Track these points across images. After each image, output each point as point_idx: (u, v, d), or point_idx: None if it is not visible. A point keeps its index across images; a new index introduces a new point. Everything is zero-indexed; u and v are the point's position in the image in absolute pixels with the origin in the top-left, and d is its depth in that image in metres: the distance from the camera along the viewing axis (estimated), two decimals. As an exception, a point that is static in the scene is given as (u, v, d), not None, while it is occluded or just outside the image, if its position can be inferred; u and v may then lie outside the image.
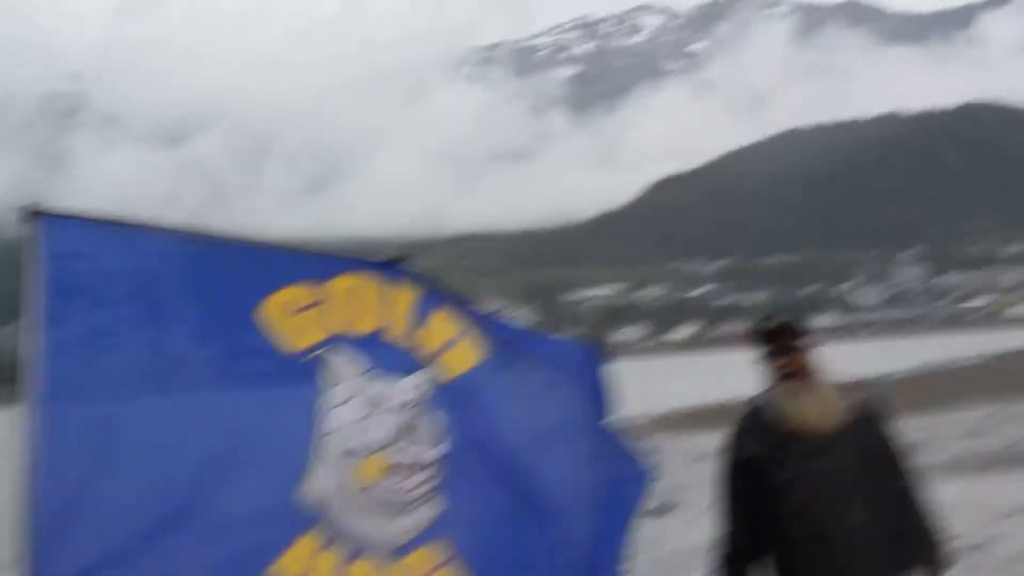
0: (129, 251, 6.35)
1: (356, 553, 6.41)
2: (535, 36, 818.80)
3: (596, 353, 7.17)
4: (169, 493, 6.15)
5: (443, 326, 6.78)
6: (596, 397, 7.19)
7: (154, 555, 6.09)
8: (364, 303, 6.66)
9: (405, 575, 6.47)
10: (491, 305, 7.05)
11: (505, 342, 6.99)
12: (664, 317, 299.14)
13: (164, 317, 6.31)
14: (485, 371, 6.89)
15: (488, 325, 6.95)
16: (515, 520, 6.89)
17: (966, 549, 14.31)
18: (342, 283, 6.62)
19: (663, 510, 19.72)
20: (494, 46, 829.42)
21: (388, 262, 6.72)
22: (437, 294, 6.80)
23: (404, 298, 6.72)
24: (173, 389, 6.25)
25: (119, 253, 6.33)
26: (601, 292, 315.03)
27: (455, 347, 6.81)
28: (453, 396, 6.77)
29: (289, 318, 6.45)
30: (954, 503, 17.59)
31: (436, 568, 6.54)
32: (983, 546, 15.11)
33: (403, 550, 6.50)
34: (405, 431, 6.60)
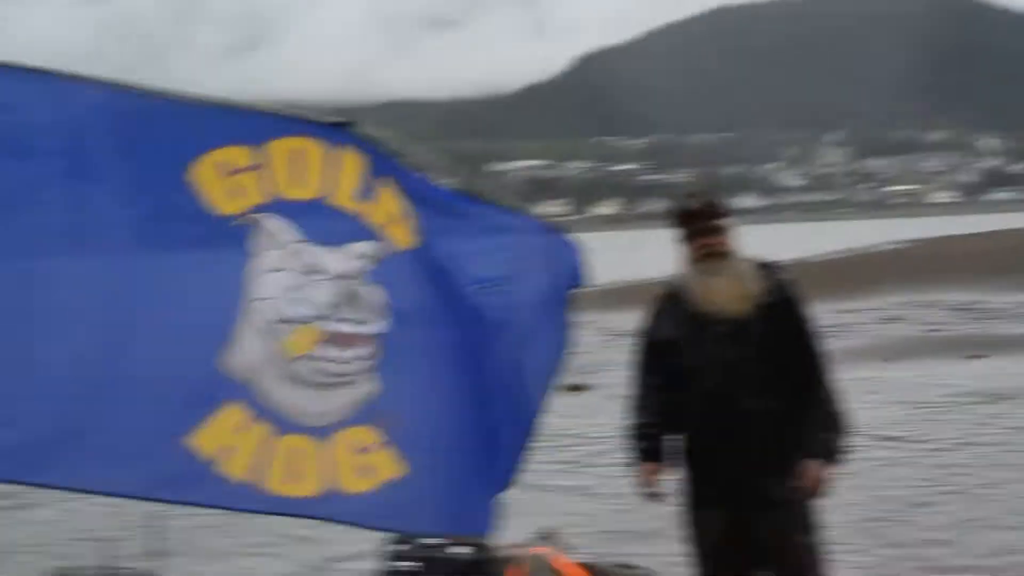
0: (56, 103, 6.05)
1: (286, 428, 6.21)
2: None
3: (552, 228, 6.83)
4: (83, 355, 6.01)
5: (391, 197, 6.44)
6: (552, 274, 6.80)
7: (65, 416, 5.98)
8: (306, 167, 6.35)
9: (335, 454, 6.28)
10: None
11: (456, 216, 6.62)
12: (586, 193, 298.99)
13: (89, 174, 6.07)
14: (431, 247, 6.52)
15: (440, 198, 6.59)
16: (455, 405, 6.60)
17: (878, 438, 14.35)
18: (283, 145, 6.29)
19: (579, 387, 19.75)
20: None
21: (335, 125, 6.38)
22: (387, 163, 6.45)
23: (351, 165, 6.38)
24: (94, 249, 6.06)
25: (45, 105, 6.04)
26: (525, 165, 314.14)
27: (402, 219, 6.47)
28: (398, 270, 6.47)
29: (223, 179, 6.19)
30: (866, 390, 17.86)
31: (367, 450, 6.34)
32: (898, 436, 15.02)
33: (334, 427, 6.30)
34: (343, 302, 6.34)
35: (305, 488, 6.19)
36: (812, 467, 6.87)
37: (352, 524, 6.48)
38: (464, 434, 6.59)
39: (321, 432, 6.22)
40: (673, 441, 7.08)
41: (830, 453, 6.94)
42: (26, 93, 6.01)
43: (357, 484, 6.26)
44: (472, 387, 6.68)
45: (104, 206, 6.10)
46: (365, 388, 6.33)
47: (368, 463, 6.29)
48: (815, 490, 6.95)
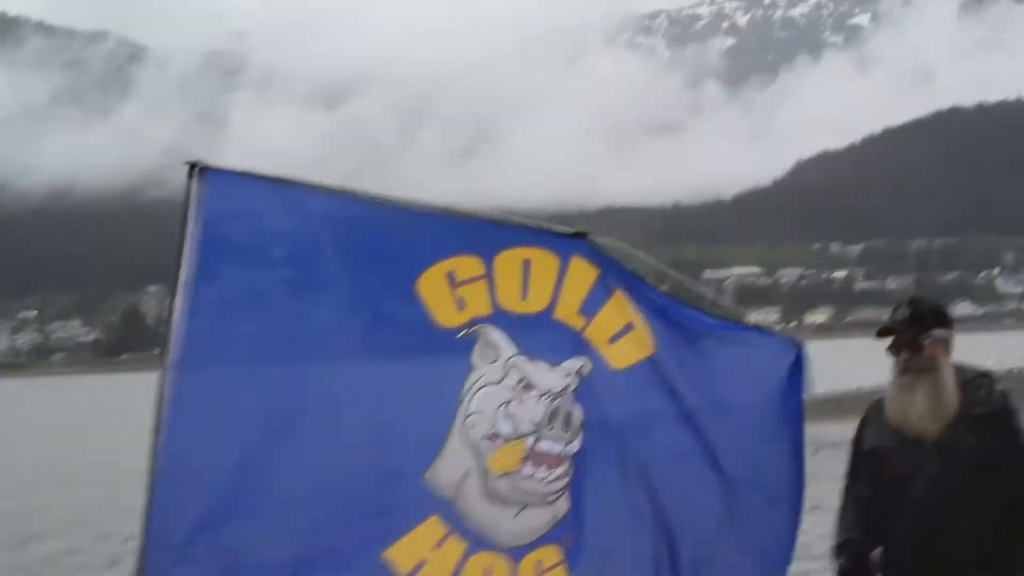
0: (292, 211, 6.23)
1: (479, 546, 6.21)
2: (696, 4, 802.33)
3: (793, 345, 6.75)
4: (294, 464, 6.15)
5: (616, 312, 6.43)
6: (789, 394, 6.71)
7: (268, 525, 6.10)
8: (534, 279, 6.35)
9: (520, 574, 6.24)
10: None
11: (686, 334, 6.54)
12: (800, 300, 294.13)
13: (319, 283, 6.24)
14: (651, 367, 6.49)
15: (671, 314, 6.51)
16: (636, 530, 6.47)
17: None
18: (513, 255, 6.33)
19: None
20: (655, 14, 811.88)
21: (571, 236, 6.40)
22: (618, 276, 6.43)
23: (582, 277, 6.39)
24: (316, 358, 6.22)
25: (281, 213, 6.22)
26: (741, 271, 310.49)
27: (624, 337, 6.46)
28: (608, 391, 6.43)
29: (452, 290, 6.26)
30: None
31: (547, 570, 6.28)
32: None
33: (528, 548, 6.27)
34: (553, 420, 6.32)
35: None
36: None
37: None
38: (652, 550, 6.47)
39: (514, 553, 6.23)
40: (877, 555, 6.99)
41: None
42: (261, 201, 6.23)
43: None
44: (706, 511, 6.56)
45: (328, 316, 6.25)
46: (557, 507, 6.31)
47: None
48: None
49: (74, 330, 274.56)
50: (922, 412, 6.75)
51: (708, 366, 6.55)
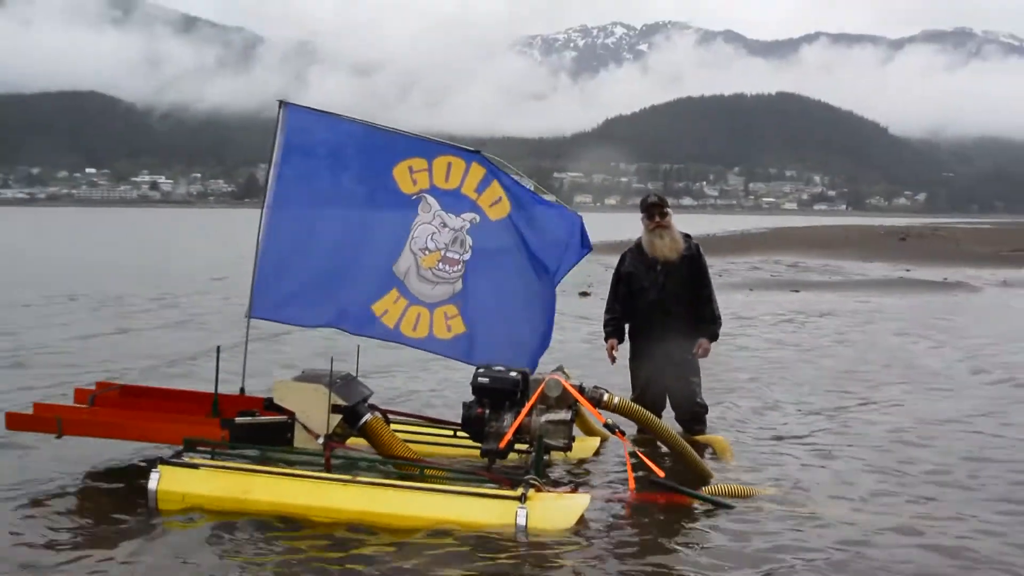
0: (330, 129, 6.43)
1: (414, 302, 6.53)
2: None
3: (574, 217, 6.73)
4: (331, 258, 6.44)
5: (494, 191, 6.60)
6: (567, 237, 6.70)
7: (323, 291, 6.41)
8: (454, 171, 6.55)
9: (435, 318, 6.57)
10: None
11: (527, 201, 6.67)
12: (602, 193, 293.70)
13: (342, 167, 6.44)
14: (509, 220, 6.64)
15: (519, 194, 6.65)
16: (503, 302, 6.66)
17: (741, 330, 14.19)
18: (443, 159, 6.53)
19: (586, 293, 19.73)
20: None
21: (473, 151, 6.59)
22: (495, 172, 6.59)
23: (477, 172, 6.58)
24: (342, 205, 6.49)
25: (322, 129, 6.42)
26: (572, 175, 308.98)
27: (496, 204, 6.62)
28: (487, 230, 6.63)
29: (410, 175, 6.48)
30: (740, 305, 17.73)
31: (451, 317, 6.58)
32: (749, 335, 14.86)
33: (437, 304, 6.56)
34: (455, 243, 6.58)
35: (419, 333, 6.52)
36: (704, 343, 7.10)
37: (441, 355, 6.75)
38: (512, 315, 6.66)
39: (430, 306, 6.55)
40: (627, 326, 7.24)
41: (712, 336, 7.14)
42: (314, 123, 6.42)
43: (444, 334, 6.59)
44: (523, 289, 6.70)
45: (347, 184, 6.50)
46: (456, 286, 6.58)
47: (450, 324, 6.59)
48: (704, 354, 7.14)
49: (220, 185, 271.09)
50: (667, 249, 7.03)
51: (534, 222, 6.66)
